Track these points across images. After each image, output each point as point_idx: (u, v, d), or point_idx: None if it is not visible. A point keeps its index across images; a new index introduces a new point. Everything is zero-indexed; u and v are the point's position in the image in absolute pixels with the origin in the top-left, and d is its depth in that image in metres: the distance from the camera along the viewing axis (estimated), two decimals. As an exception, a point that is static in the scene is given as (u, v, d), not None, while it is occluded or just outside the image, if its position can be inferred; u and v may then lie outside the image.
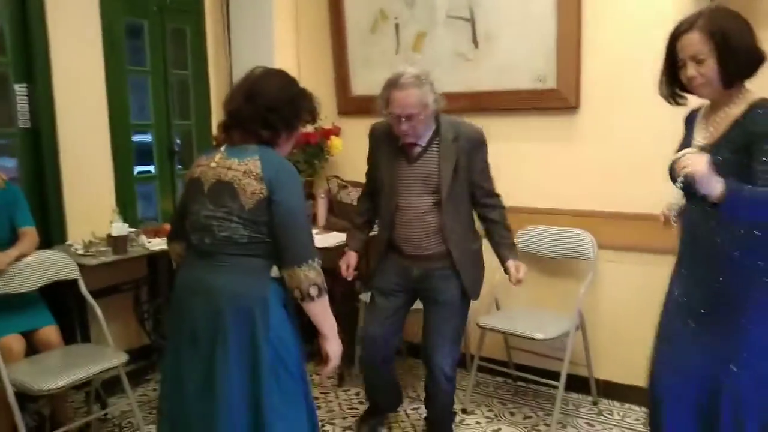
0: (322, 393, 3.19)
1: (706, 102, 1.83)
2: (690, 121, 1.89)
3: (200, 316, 1.75)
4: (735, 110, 1.72)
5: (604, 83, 2.88)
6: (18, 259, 2.53)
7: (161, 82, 3.58)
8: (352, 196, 3.44)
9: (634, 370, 2.26)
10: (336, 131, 3.56)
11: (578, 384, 3.02)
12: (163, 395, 1.90)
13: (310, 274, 1.71)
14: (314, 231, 3.32)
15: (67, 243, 3.01)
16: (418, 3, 3.30)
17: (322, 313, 1.78)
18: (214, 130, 3.83)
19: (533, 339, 2.72)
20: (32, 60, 2.95)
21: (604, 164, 2.92)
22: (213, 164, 1.80)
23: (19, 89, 2.97)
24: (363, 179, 3.51)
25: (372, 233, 2.73)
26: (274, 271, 1.78)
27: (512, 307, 3.08)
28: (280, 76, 1.85)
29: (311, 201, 3.55)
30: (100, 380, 2.80)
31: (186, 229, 1.85)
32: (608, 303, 2.99)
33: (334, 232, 3.38)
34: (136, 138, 3.51)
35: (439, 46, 3.27)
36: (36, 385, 2.30)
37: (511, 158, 3.02)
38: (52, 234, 2.99)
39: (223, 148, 1.83)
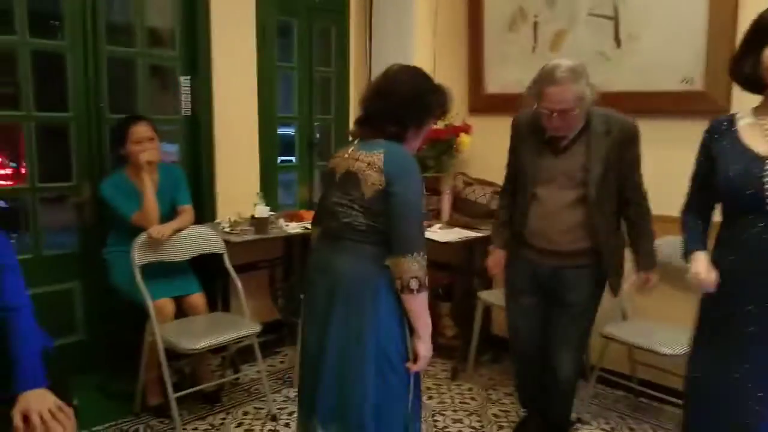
0: (435, 384, 3.26)
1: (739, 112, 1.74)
2: (720, 132, 1.76)
3: (320, 293, 1.89)
4: None
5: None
6: (176, 232, 2.85)
7: (306, 78, 3.83)
8: (477, 193, 3.47)
9: None
10: (466, 129, 3.60)
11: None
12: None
13: (413, 266, 1.75)
14: (437, 226, 3.42)
15: (216, 221, 3.33)
16: (559, 1, 3.25)
17: (418, 309, 1.81)
18: (351, 126, 4.06)
19: (659, 354, 2.59)
20: (196, 55, 3.30)
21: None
22: (346, 155, 1.90)
23: (184, 81, 3.33)
24: (490, 177, 3.57)
25: None
26: (389, 262, 1.83)
27: (640, 319, 2.95)
28: (414, 72, 1.91)
29: (437, 196, 3.62)
30: (235, 347, 3.08)
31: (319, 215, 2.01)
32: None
33: (456, 228, 3.42)
34: (281, 130, 3.78)
35: (578, 45, 3.20)
36: (182, 344, 2.58)
37: (653, 164, 2.84)
38: (204, 212, 3.32)
39: (356, 142, 1.93)
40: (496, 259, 2.61)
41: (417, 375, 1.91)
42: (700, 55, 2.78)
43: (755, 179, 1.68)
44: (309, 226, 3.32)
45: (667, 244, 2.89)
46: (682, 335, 2.67)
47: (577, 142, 2.31)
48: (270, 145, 3.67)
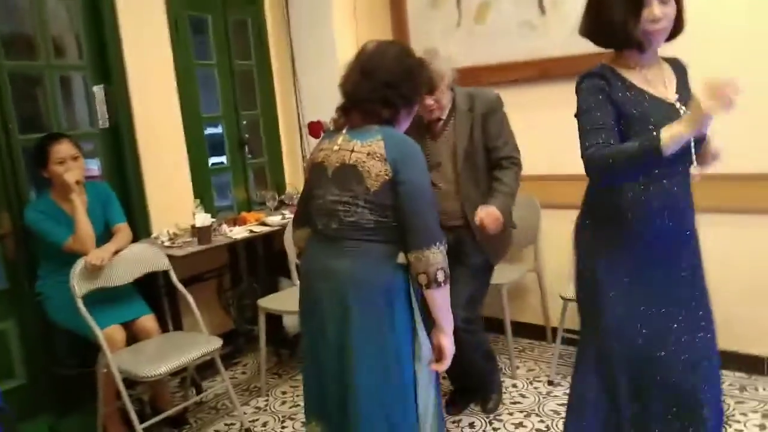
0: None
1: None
2: (610, 81, 1.67)
3: (327, 302, 1.73)
4: (664, 65, 1.74)
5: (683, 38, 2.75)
6: (115, 253, 2.65)
7: (227, 74, 3.65)
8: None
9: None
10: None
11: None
12: (305, 390, 1.92)
13: (438, 257, 1.63)
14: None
15: (153, 236, 3.13)
16: (480, -27, 3.24)
17: (443, 301, 1.69)
18: (280, 119, 3.93)
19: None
20: (107, 62, 3.06)
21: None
22: (336, 147, 1.73)
23: (98, 90, 3.09)
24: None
25: None
26: (401, 258, 1.71)
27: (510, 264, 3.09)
28: (395, 47, 1.77)
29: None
30: (194, 366, 2.92)
31: (310, 215, 1.83)
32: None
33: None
34: (207, 130, 3.60)
35: (503, 17, 3.21)
36: (142, 371, 2.41)
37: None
38: (138, 227, 3.11)
39: (344, 131, 1.76)
40: None
41: (437, 375, 1.81)
42: (623, 15, 2.85)
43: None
44: (254, 229, 3.25)
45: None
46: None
47: (449, 123, 2.48)
48: (198, 148, 3.48)
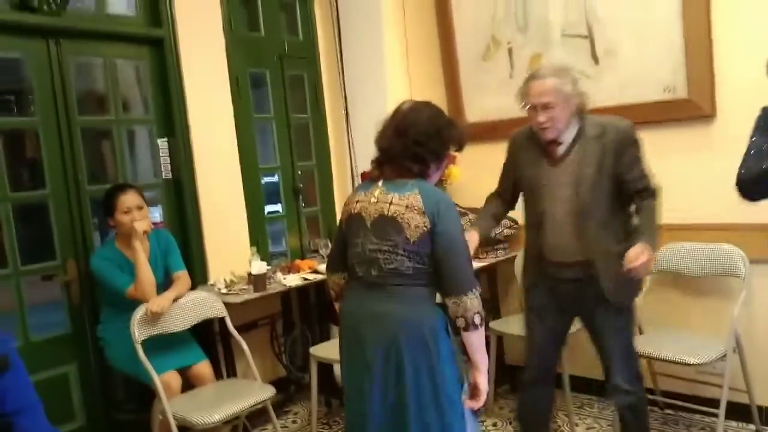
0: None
1: None
2: None
3: (374, 344, 1.81)
4: None
5: (742, 87, 2.70)
6: (174, 300, 2.71)
7: (284, 126, 3.77)
8: (473, 223, 3.42)
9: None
10: (452, 160, 3.58)
11: (736, 411, 2.79)
12: (351, 415, 1.95)
13: (475, 302, 1.76)
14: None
15: (209, 283, 3.20)
16: (530, 25, 3.29)
17: (479, 343, 1.81)
18: (334, 169, 4.01)
19: (686, 364, 2.55)
20: (171, 115, 3.21)
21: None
22: (373, 200, 1.85)
23: (162, 143, 3.23)
24: (481, 205, 3.53)
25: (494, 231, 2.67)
26: (438, 299, 1.84)
27: (656, 330, 2.92)
28: (428, 108, 1.89)
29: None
30: (246, 413, 2.93)
31: (347, 262, 1.93)
32: (764, 323, 2.77)
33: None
34: (264, 180, 3.70)
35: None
36: (196, 419, 2.44)
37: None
38: (196, 274, 3.18)
39: (380, 183, 1.88)
40: (470, 239, 2.39)
41: (474, 412, 1.88)
42: (678, 63, 2.83)
43: None
44: (307, 276, 3.29)
45: (670, 252, 2.90)
46: (703, 343, 2.67)
47: (572, 151, 2.29)
48: (256, 197, 3.58)
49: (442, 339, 1.80)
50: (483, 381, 1.83)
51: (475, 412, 1.89)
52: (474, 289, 1.76)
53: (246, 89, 3.55)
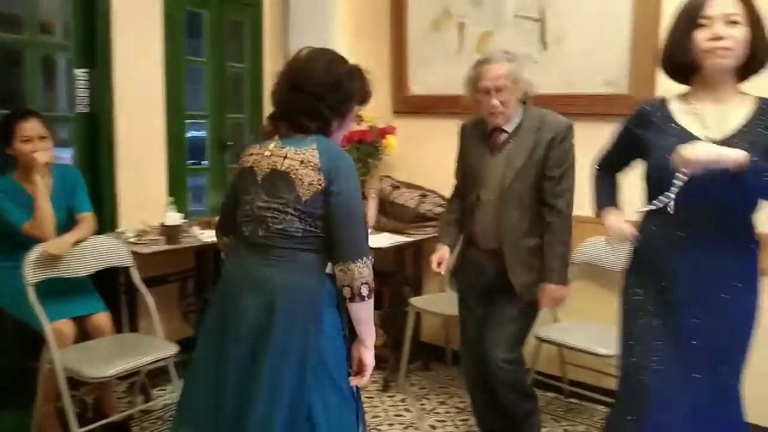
0: (367, 398, 3.10)
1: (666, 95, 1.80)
2: (653, 113, 1.77)
3: (248, 312, 1.65)
4: (744, 104, 1.68)
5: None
6: (76, 244, 2.50)
7: (217, 74, 3.56)
8: (405, 197, 3.36)
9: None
10: (391, 130, 3.48)
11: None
12: (187, 397, 1.78)
13: (364, 271, 1.62)
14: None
15: (118, 230, 2.98)
16: (485, 2, 3.21)
17: (367, 316, 1.69)
18: (264, 122, 3.83)
19: (596, 354, 2.59)
20: (94, 45, 2.94)
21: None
22: (267, 153, 1.70)
23: (80, 74, 2.97)
24: (417, 180, 3.48)
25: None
26: (329, 268, 1.70)
27: (572, 320, 2.95)
28: (326, 57, 1.71)
29: (363, 201, 3.47)
30: (145, 371, 2.76)
31: (236, 221, 1.76)
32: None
33: (386, 233, 3.29)
34: (189, 129, 3.48)
35: (505, 47, 3.15)
36: (88, 371, 2.26)
37: (578, 165, 2.89)
38: (104, 220, 2.96)
39: (277, 137, 1.72)
40: (440, 255, 2.47)
41: (357, 388, 1.77)
42: (624, 58, 2.84)
43: None
44: (225, 233, 3.12)
45: (590, 246, 2.93)
46: (615, 335, 2.71)
47: (511, 140, 2.32)
48: (179, 146, 3.36)
49: (327, 313, 1.67)
50: (368, 356, 1.72)
51: (357, 394, 1.78)
52: (364, 258, 1.62)
53: (180, 27, 3.31)
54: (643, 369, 1.74)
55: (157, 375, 2.89)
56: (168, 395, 2.85)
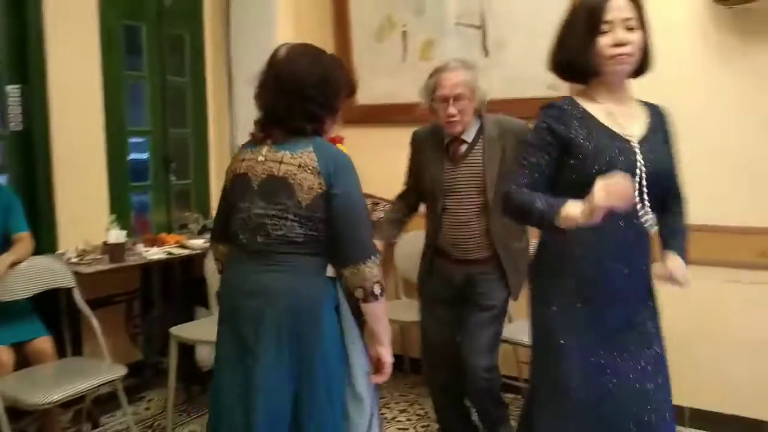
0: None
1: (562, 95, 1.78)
2: (568, 114, 1.66)
3: (250, 319, 1.63)
4: (637, 106, 1.73)
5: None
6: (13, 265, 2.39)
7: (158, 88, 3.47)
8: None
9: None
10: (339, 140, 3.47)
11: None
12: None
13: (374, 270, 1.61)
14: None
15: (58, 252, 2.85)
16: (427, 10, 3.27)
17: (382, 315, 1.68)
18: (211, 139, 3.76)
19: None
20: (26, 59, 2.83)
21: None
22: (261, 158, 1.65)
23: (12, 90, 2.85)
24: (366, 189, 3.44)
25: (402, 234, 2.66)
26: (330, 271, 1.69)
27: (526, 320, 2.97)
28: (307, 53, 1.68)
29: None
30: (92, 397, 2.63)
31: (232, 228, 1.72)
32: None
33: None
34: (132, 145, 3.38)
35: (448, 55, 3.19)
36: (29, 398, 2.15)
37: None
38: (42, 242, 2.83)
39: (269, 142, 1.68)
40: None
41: (375, 389, 1.77)
42: (563, 63, 2.92)
43: (630, 161, 1.63)
44: (173, 251, 3.04)
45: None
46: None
47: (474, 148, 2.34)
48: (120, 162, 3.25)
49: (329, 318, 1.65)
50: (386, 354, 1.72)
51: (375, 395, 1.78)
52: (373, 257, 1.61)
53: (118, 41, 3.23)
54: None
55: (105, 401, 2.77)
56: (119, 421, 2.73)
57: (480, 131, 2.33)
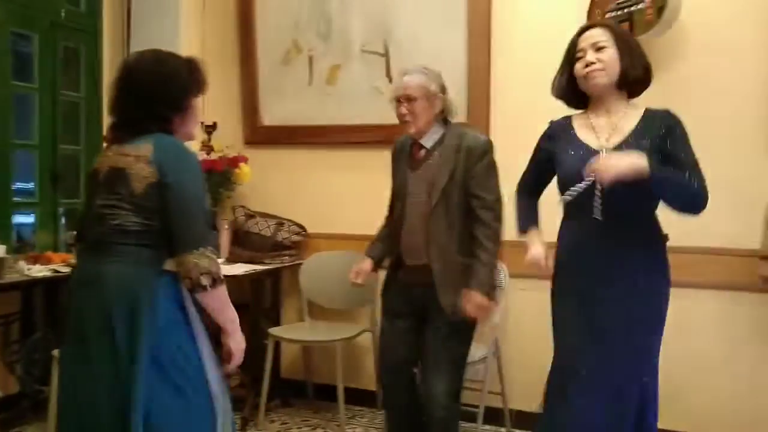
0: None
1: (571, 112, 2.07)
2: (559, 131, 2.04)
3: (86, 311, 1.64)
4: (632, 116, 1.94)
5: (513, 116, 3.01)
6: None
7: (49, 102, 3.29)
8: (260, 226, 3.31)
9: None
10: (243, 160, 3.43)
11: (489, 416, 2.96)
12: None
13: (202, 261, 1.60)
14: (219, 261, 3.15)
15: (-75, 268, 2.59)
16: (333, 36, 3.35)
17: (217, 305, 1.68)
18: (106, 132, 3.57)
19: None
20: None
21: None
22: (110, 153, 1.73)
23: None
24: (272, 210, 3.45)
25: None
26: (170, 265, 1.67)
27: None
28: (153, 55, 1.75)
29: (215, 232, 3.35)
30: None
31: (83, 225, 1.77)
32: (517, 331, 3.04)
33: (239, 264, 3.20)
34: (17, 159, 3.17)
35: (354, 80, 3.32)
36: None
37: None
38: None
39: (120, 141, 1.73)
40: (358, 268, 2.51)
41: (225, 384, 1.77)
42: (462, 88, 3.06)
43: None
44: (60, 270, 2.83)
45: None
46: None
47: (432, 155, 2.37)
48: (3, 177, 3.03)
49: (163, 308, 1.64)
50: (232, 342, 1.75)
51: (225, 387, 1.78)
52: (200, 248, 1.61)
53: (4, 49, 3.04)
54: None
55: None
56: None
57: (442, 139, 2.37)
